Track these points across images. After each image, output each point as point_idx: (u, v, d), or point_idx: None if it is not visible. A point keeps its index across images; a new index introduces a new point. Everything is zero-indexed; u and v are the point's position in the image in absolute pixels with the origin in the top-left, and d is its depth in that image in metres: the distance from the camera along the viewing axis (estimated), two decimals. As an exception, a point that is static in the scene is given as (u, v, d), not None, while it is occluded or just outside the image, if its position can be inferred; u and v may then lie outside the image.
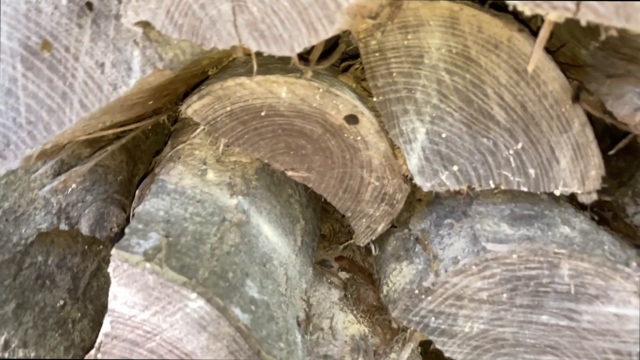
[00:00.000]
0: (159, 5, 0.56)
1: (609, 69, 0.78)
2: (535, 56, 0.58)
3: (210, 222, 0.71)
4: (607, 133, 0.91)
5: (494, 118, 0.76)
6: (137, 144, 1.00)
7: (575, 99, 0.72)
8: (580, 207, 0.90)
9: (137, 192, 0.75)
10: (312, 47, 0.70)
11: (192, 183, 0.77)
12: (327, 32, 0.54)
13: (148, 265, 0.60)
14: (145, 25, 0.59)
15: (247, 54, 0.58)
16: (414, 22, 0.72)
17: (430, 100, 0.76)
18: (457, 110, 0.76)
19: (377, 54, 0.75)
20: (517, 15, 0.83)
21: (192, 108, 0.73)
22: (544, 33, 0.55)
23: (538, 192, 0.81)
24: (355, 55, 0.93)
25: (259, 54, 0.58)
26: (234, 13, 0.55)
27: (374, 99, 0.78)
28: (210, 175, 0.81)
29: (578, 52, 0.86)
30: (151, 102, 0.81)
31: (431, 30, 0.72)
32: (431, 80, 0.75)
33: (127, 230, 0.64)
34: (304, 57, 0.70)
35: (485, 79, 0.74)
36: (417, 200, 0.98)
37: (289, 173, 0.82)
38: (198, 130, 0.78)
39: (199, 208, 0.73)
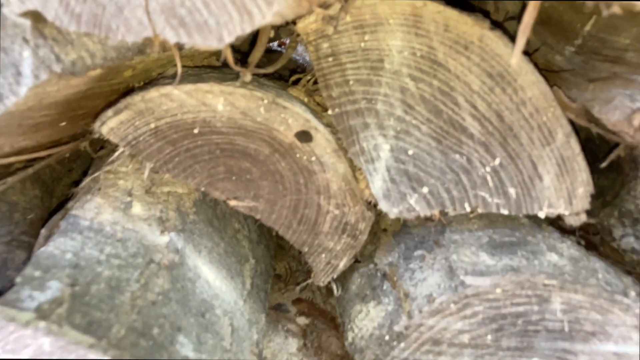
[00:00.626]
0: (50, -11, 0.44)
1: (590, 72, 0.69)
2: (519, 45, 0.48)
3: (132, 265, 0.58)
4: (585, 146, 0.83)
5: (466, 130, 0.65)
6: (57, 177, 0.86)
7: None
8: (563, 231, 0.80)
9: (42, 231, 0.61)
10: (249, 51, 0.59)
11: (112, 218, 0.63)
12: (265, 16, 0.42)
13: (42, 324, 0.46)
14: (36, 17, 0.47)
15: (167, 50, 0.46)
16: (372, 20, 0.61)
17: (393, 112, 0.66)
18: (424, 122, 0.66)
19: (330, 59, 0.64)
20: (485, 14, 0.75)
21: (108, 125, 0.60)
22: (528, 17, 0.45)
23: (520, 215, 0.70)
24: (305, 70, 0.82)
25: (187, 62, 0.47)
26: (145, -5, 0.43)
27: (330, 112, 0.66)
28: (137, 208, 0.67)
29: (552, 59, 0.77)
30: (64, 124, 0.68)
31: (391, 30, 0.62)
32: (394, 88, 0.65)
33: (17, 279, 0.50)
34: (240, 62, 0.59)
35: (455, 86, 0.64)
36: (382, 231, 0.87)
37: (232, 203, 0.69)
38: (115, 155, 0.65)
39: (118, 248, 0.59)
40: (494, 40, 0.62)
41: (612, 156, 0.67)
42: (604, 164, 0.69)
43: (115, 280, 0.54)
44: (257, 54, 0.55)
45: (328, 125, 0.70)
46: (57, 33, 0.50)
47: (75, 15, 0.45)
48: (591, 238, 0.82)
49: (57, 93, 0.55)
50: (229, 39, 0.43)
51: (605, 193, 0.86)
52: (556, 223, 0.81)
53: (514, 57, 0.50)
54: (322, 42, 0.63)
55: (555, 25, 0.83)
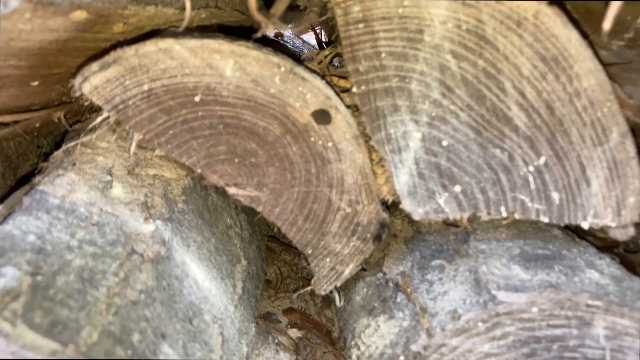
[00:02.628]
0: None
1: (648, 65, 0.61)
2: (613, 9, 0.40)
3: (109, 255, 0.47)
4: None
5: (511, 122, 0.56)
6: (23, 153, 0.74)
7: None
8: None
9: (0, 208, 0.50)
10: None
11: (87, 198, 0.52)
12: None
13: (-11, 321, 0.35)
14: None
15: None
16: (414, -17, 0.52)
17: (429, 94, 0.56)
18: (464, 109, 0.56)
19: (360, 26, 0.54)
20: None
21: (91, 82, 0.49)
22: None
23: (561, 224, 0.61)
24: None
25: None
26: None
27: (354, 89, 0.57)
28: (117, 190, 0.56)
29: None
30: (36, 84, 0.56)
31: (435, -3, 0.53)
32: (432, 65, 0.55)
33: (-39, 262, 0.39)
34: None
35: (503, 68, 0.55)
36: (391, 236, 0.77)
37: (231, 190, 0.58)
38: (99, 120, 0.54)
39: (94, 234, 0.48)
40: (552, 18, 0.53)
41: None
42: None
43: (88, 271, 0.43)
44: (280, 6, 0.45)
45: (349, 107, 0.60)
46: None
47: None
48: (629, 256, 0.73)
49: (30, 35, 0.44)
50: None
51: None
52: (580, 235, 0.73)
53: (606, 20, 0.41)
54: (353, 5, 0.53)
55: (598, 20, 0.75)
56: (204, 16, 0.68)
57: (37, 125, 0.65)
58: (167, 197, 0.61)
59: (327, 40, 1.03)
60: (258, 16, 0.41)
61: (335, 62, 0.92)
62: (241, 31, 0.79)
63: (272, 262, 0.91)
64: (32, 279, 0.40)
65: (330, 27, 0.85)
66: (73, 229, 0.47)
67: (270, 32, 0.42)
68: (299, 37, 1.45)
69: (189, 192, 0.66)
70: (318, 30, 1.08)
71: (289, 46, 1.22)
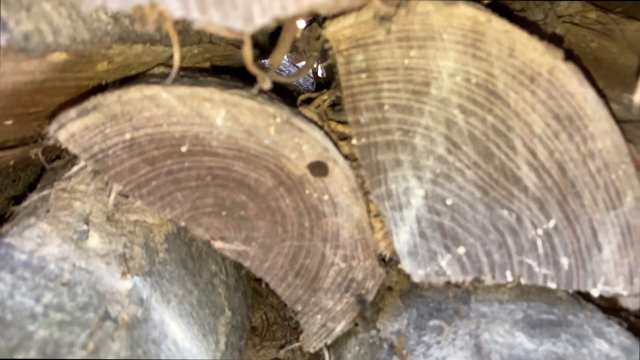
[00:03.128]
0: None
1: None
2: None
3: (79, 323, 0.42)
4: None
5: (520, 182, 0.53)
6: (-3, 189, 0.69)
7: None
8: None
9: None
10: (264, 51, 0.45)
11: (59, 252, 0.48)
12: (320, -9, 0.29)
13: None
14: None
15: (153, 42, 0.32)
16: (421, 32, 0.49)
17: (434, 150, 0.52)
18: (470, 166, 0.53)
19: (363, 76, 0.50)
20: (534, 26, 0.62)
21: (68, 130, 0.45)
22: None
23: (570, 290, 0.58)
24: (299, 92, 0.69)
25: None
26: (144, -59, 0.29)
27: (354, 141, 0.53)
28: (94, 240, 0.52)
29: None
30: (10, 123, 0.52)
31: (444, 48, 0.49)
32: (438, 120, 0.52)
33: None
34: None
35: (514, 125, 0.51)
36: (386, 289, 0.73)
37: (217, 245, 0.54)
38: (74, 170, 0.50)
39: (63, 296, 0.43)
40: (568, 74, 0.50)
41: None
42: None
43: (52, 344, 0.39)
44: (279, 56, 0.42)
45: (347, 157, 0.56)
46: (9, -8, 0.35)
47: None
48: (633, 320, 0.70)
49: (1, 78, 0.40)
50: (261, 20, 0.29)
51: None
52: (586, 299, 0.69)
53: (636, 93, 0.37)
54: (356, 54, 0.50)
55: (607, 69, 0.72)
56: (197, 52, 0.65)
57: (12, 162, 0.60)
58: (148, 246, 0.57)
59: (324, 76, 0.99)
60: (254, 70, 0.37)
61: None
62: (236, 71, 0.76)
63: (258, 306, 0.86)
64: (-15, 359, 0.35)
65: (329, 66, 0.82)
66: (39, 292, 0.43)
67: (267, 86, 0.38)
68: (294, 65, 1.41)
69: (172, 239, 0.61)
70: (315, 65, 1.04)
71: (284, 74, 1.19)
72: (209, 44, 0.66)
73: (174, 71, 0.37)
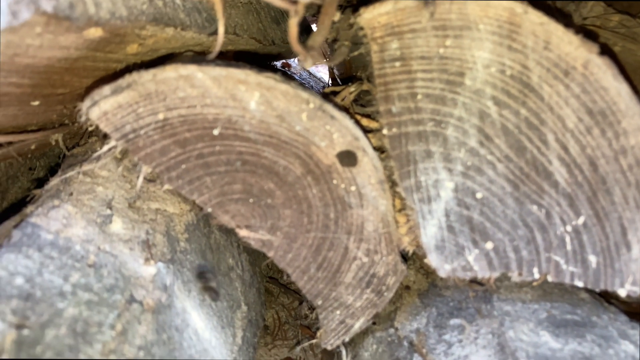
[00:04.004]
0: None
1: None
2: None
3: (106, 303, 0.41)
4: None
5: (551, 177, 0.52)
6: (14, 175, 0.68)
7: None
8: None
9: (-16, 241, 0.44)
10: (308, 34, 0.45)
11: (84, 235, 0.47)
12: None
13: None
14: None
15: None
16: (457, 22, 0.48)
17: (466, 142, 0.52)
18: (502, 160, 0.52)
19: (397, 64, 0.50)
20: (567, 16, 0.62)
21: (101, 108, 0.44)
22: None
23: (597, 290, 0.57)
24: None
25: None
26: None
27: (384, 131, 0.52)
28: (117, 225, 0.51)
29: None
30: (37, 103, 0.51)
31: (480, 38, 0.49)
32: (471, 111, 0.51)
33: None
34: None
35: (547, 119, 0.51)
36: (404, 288, 0.72)
37: (242, 233, 0.53)
38: (105, 149, 0.49)
39: (90, 277, 0.42)
40: (602, 69, 0.49)
41: None
42: None
43: (82, 323, 0.38)
44: (319, 38, 0.41)
45: (375, 149, 0.55)
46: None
47: None
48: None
49: (37, 52, 0.39)
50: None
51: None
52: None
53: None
54: (391, 41, 0.49)
55: (632, 72, 0.72)
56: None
57: (33, 147, 0.60)
58: (170, 235, 0.56)
59: (339, 76, 0.99)
60: (298, 47, 0.36)
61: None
62: (255, 59, 0.75)
63: (269, 305, 0.85)
64: (17, 333, 0.34)
65: (348, 62, 0.81)
66: (67, 271, 0.41)
67: (309, 65, 0.38)
68: (305, 70, 1.41)
69: (192, 230, 0.60)
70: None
71: (296, 77, 1.18)
72: (233, 35, 0.66)
73: (219, 44, 0.36)
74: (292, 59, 1.27)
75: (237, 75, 0.44)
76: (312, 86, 1.21)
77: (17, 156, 0.57)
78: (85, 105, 0.43)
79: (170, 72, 0.43)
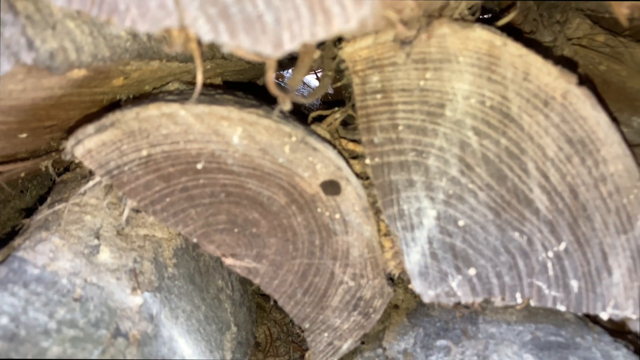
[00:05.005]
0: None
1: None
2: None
3: (91, 339, 0.42)
4: None
5: (532, 204, 0.53)
6: (5, 199, 0.69)
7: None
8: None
9: (-28, 276, 0.45)
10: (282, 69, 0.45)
11: (71, 267, 0.47)
12: (348, 19, 0.29)
13: None
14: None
15: (185, 64, 0.32)
16: (437, 55, 0.49)
17: (447, 171, 0.53)
18: (483, 188, 0.53)
19: (378, 96, 0.51)
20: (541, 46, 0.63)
21: (85, 146, 0.45)
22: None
23: (579, 313, 0.58)
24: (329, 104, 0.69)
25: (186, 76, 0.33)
26: (176, -34, 0.29)
27: (367, 161, 0.53)
28: (105, 255, 0.52)
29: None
30: (24, 136, 0.52)
31: (459, 70, 0.50)
32: (452, 141, 0.52)
33: None
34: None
35: (527, 148, 0.52)
36: (392, 307, 0.73)
37: (228, 261, 0.54)
38: (89, 185, 0.50)
39: (75, 312, 0.43)
40: (581, 99, 0.50)
41: None
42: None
43: (65, 362, 0.38)
44: (298, 78, 0.42)
45: (358, 176, 0.56)
46: (35, 10, 0.35)
47: (66, -17, 0.31)
48: (639, 343, 0.69)
49: (21, 94, 0.40)
50: (290, 45, 0.30)
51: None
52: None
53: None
54: (372, 74, 0.50)
55: (616, 92, 0.73)
56: (209, 67, 0.65)
57: (22, 175, 0.60)
58: (158, 261, 0.57)
59: (332, 92, 1.00)
60: (276, 91, 0.37)
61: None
62: (246, 86, 0.76)
63: (261, 321, 0.86)
64: (0, 376, 0.35)
65: (339, 86, 0.82)
66: (52, 307, 0.42)
67: (288, 107, 0.39)
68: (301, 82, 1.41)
69: (181, 254, 0.61)
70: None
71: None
72: (221, 59, 0.67)
73: (197, 91, 0.37)
74: (286, 71, 1.27)
75: (220, 112, 0.45)
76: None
77: (7, 184, 0.58)
78: (69, 144, 0.44)
79: (153, 111, 0.44)
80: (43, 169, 0.63)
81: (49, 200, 0.58)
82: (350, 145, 0.62)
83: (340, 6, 0.29)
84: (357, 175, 0.56)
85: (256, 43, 0.30)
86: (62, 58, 0.36)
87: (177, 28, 0.30)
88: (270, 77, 0.35)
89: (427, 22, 0.41)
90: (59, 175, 0.65)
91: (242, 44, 0.30)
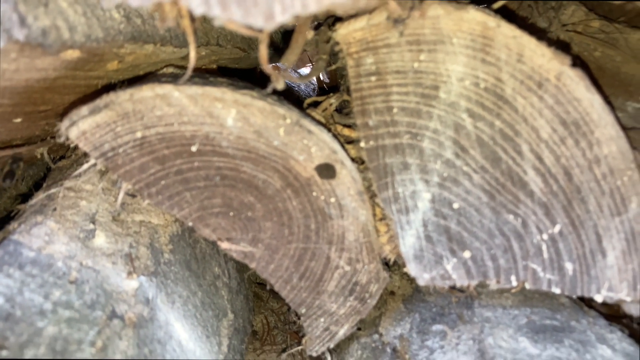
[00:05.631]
0: None
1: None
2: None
3: (87, 320, 0.42)
4: None
5: (526, 186, 0.53)
6: (1, 188, 0.69)
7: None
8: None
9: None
10: (282, 49, 0.45)
11: (67, 251, 0.47)
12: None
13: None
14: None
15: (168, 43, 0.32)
16: (431, 36, 0.49)
17: (442, 153, 0.53)
18: (477, 170, 0.53)
19: (372, 78, 0.51)
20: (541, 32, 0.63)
21: (79, 128, 0.45)
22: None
23: (574, 296, 0.58)
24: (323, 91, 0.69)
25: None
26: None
27: (362, 144, 0.53)
28: (100, 239, 0.52)
29: (610, 115, 0.67)
30: (19, 120, 0.52)
31: (454, 52, 0.50)
32: (446, 124, 0.52)
33: None
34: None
35: (521, 130, 0.52)
36: (389, 294, 0.73)
37: (224, 245, 0.54)
38: (84, 167, 0.50)
39: (71, 294, 0.43)
40: (575, 80, 0.50)
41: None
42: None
43: (62, 341, 0.38)
44: (292, 57, 0.42)
45: (354, 160, 0.56)
46: (27, -14, 0.35)
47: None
48: (635, 327, 0.70)
49: (14, 75, 0.40)
50: (281, 17, 0.30)
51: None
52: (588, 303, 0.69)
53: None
54: (366, 56, 0.50)
55: (611, 78, 0.73)
56: (204, 54, 0.65)
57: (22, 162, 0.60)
58: (154, 247, 0.57)
59: (326, 80, 1.00)
60: (269, 69, 0.37)
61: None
62: (242, 73, 0.76)
63: (258, 310, 0.86)
64: (-5, 354, 0.35)
65: (333, 71, 0.82)
66: (48, 289, 0.42)
67: (281, 86, 0.39)
68: (293, 70, 1.42)
69: (177, 240, 0.61)
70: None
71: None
72: (217, 46, 0.67)
73: (190, 68, 0.37)
74: (294, 81, 1.27)
75: (214, 93, 0.45)
76: (301, 89, 1.22)
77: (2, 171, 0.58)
78: (64, 125, 0.44)
79: (147, 92, 0.44)
80: (39, 156, 0.63)
81: (44, 186, 0.58)
82: (346, 131, 0.62)
83: (332, -23, 0.29)
84: (353, 160, 0.57)
85: (248, 15, 0.30)
86: (55, 36, 0.36)
87: (169, 2, 0.30)
88: (263, 52, 0.35)
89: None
90: (55, 162, 0.65)
91: (234, 17, 0.30)
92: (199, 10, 0.30)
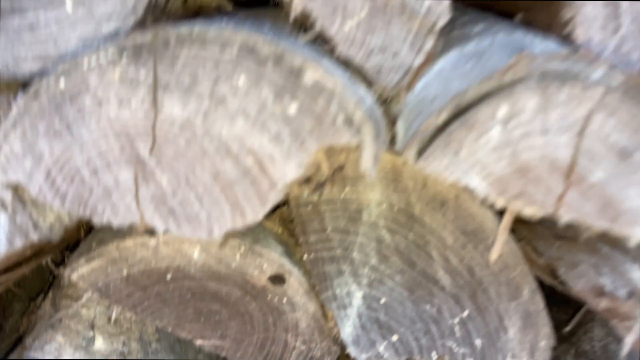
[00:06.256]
0: (37, 166, 0.43)
1: (556, 228, 0.72)
2: (499, 243, 0.50)
3: None
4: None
5: (438, 283, 0.66)
6: (12, 297, 0.81)
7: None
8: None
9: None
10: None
11: (72, 360, 0.60)
12: (257, 214, 0.42)
13: None
14: (17, 187, 0.45)
15: (150, 231, 0.45)
16: (353, 174, 0.62)
17: (368, 261, 0.66)
18: (398, 272, 0.66)
19: (309, 207, 0.64)
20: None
21: (78, 273, 0.58)
22: (506, 222, 0.47)
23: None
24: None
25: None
26: (136, 184, 0.42)
27: (305, 257, 0.66)
28: (99, 343, 0.65)
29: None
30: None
31: (371, 184, 0.63)
32: (370, 238, 0.65)
33: None
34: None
35: (430, 240, 0.65)
36: (344, 357, 0.86)
37: (198, 342, 0.67)
38: (85, 299, 0.63)
39: (77, 401, 0.56)
40: (469, 200, 0.63)
41: (577, 318, 0.70)
42: (567, 328, 0.72)
43: None
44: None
45: (301, 258, 0.69)
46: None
47: (60, 193, 0.44)
48: None
49: (24, 250, 0.53)
50: (218, 232, 0.43)
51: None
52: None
53: (493, 253, 0.51)
54: (303, 192, 0.63)
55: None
56: None
57: (27, 273, 0.73)
58: (143, 340, 0.70)
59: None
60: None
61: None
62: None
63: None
64: None
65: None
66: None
67: (229, 245, 0.52)
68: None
69: (163, 330, 0.74)
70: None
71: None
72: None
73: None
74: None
75: (181, 237, 0.58)
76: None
77: (14, 284, 0.71)
78: (66, 272, 0.57)
79: (128, 242, 0.57)
80: (44, 264, 0.76)
81: (50, 295, 0.71)
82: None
83: (251, 207, 0.42)
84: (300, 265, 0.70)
85: (195, 231, 0.43)
86: (59, 226, 0.50)
87: (140, 222, 0.43)
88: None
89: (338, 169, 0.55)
90: (57, 265, 0.77)
91: (185, 232, 0.43)
92: (161, 228, 0.43)
